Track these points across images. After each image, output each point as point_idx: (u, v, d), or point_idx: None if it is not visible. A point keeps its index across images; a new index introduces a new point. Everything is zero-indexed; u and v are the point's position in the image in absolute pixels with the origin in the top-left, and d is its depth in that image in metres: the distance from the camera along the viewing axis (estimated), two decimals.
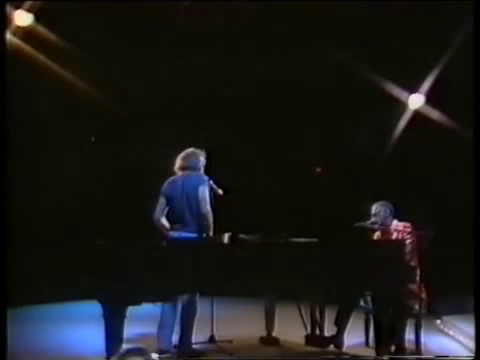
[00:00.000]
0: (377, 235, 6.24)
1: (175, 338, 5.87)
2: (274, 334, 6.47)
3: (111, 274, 5.00)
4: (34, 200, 8.69)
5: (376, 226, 6.17)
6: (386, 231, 6.14)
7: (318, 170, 7.22)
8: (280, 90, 8.95)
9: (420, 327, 5.82)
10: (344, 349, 6.03)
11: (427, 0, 7.50)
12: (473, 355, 5.48)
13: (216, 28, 8.13)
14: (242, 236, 5.80)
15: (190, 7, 7.78)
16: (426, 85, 8.52)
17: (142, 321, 5.87)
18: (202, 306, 6.11)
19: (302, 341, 6.23)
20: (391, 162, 8.69)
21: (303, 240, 5.69)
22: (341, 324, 6.03)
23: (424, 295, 5.85)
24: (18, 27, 7.76)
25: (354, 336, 6.22)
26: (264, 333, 6.48)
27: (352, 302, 6.07)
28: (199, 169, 6.04)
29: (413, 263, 5.84)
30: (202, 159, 6.08)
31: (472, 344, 5.73)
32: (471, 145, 5.63)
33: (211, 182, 6.16)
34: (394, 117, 8.87)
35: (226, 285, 5.33)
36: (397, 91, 8.63)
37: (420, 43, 8.06)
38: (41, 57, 8.18)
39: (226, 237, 5.66)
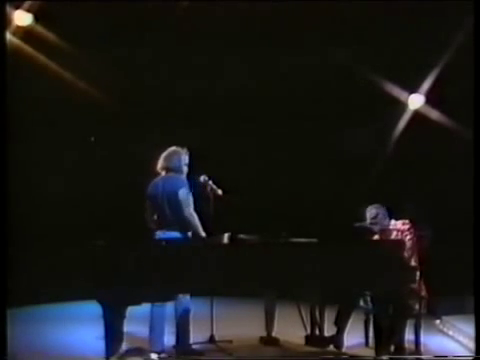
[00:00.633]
0: (378, 235, 6.24)
1: (171, 339, 5.88)
2: (274, 334, 6.46)
3: (111, 274, 5.01)
4: (34, 200, 8.68)
5: (376, 226, 6.17)
6: (386, 231, 6.14)
7: None
8: (280, 90, 8.95)
9: (420, 327, 5.83)
10: (344, 349, 6.03)
11: (427, 0, 7.50)
12: (473, 355, 5.48)
13: (216, 28, 8.12)
14: (242, 236, 5.80)
15: (190, 7, 7.77)
16: (426, 85, 8.52)
17: (142, 321, 5.87)
18: (202, 306, 6.12)
19: (302, 341, 6.23)
20: (391, 162, 8.69)
21: (303, 240, 5.70)
22: (341, 324, 6.03)
23: (424, 295, 5.85)
24: (18, 27, 7.76)
25: (354, 336, 6.22)
26: (264, 333, 6.48)
27: (352, 302, 6.07)
28: (181, 169, 5.96)
29: (413, 263, 5.84)
30: (184, 158, 5.99)
31: (472, 344, 5.74)
32: (471, 145, 5.64)
33: (210, 182, 6.17)
34: (394, 117, 8.87)
35: (226, 285, 5.33)
36: (397, 91, 8.63)
37: (420, 43, 8.06)
38: (41, 57, 8.18)
39: (226, 237, 5.66)
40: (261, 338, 6.48)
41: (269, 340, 6.44)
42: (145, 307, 5.72)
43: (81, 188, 9.05)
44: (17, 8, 7.63)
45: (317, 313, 6.09)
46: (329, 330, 6.09)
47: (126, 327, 5.22)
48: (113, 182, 9.14)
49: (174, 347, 5.89)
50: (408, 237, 5.92)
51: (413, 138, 8.54)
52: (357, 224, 6.12)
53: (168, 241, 5.68)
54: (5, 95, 5.42)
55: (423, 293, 5.84)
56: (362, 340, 6.23)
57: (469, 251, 5.56)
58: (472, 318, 5.59)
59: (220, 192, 6.15)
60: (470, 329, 5.91)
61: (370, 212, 6.16)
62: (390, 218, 6.15)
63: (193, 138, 8.27)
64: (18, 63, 7.16)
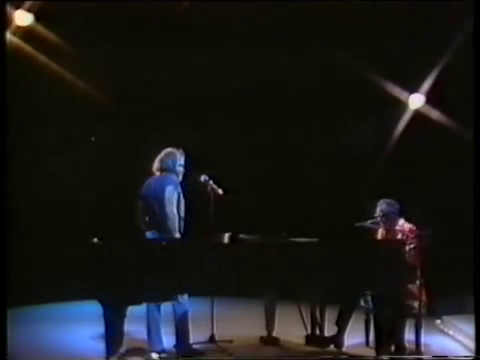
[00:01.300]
0: (381, 234, 6.21)
1: (171, 339, 5.88)
2: (274, 334, 6.46)
3: (111, 274, 5.01)
4: (34, 200, 8.68)
5: (376, 226, 6.16)
6: (390, 231, 6.10)
7: None
8: (281, 90, 8.94)
9: (420, 327, 5.82)
10: (344, 349, 6.03)
11: (427, 0, 7.50)
12: (473, 355, 5.48)
13: (216, 28, 8.12)
14: (242, 236, 5.80)
15: (190, 7, 7.78)
16: (426, 85, 8.51)
17: (142, 321, 5.87)
18: (202, 306, 6.12)
19: (302, 341, 6.23)
20: (391, 162, 8.68)
21: (303, 240, 5.70)
22: (342, 324, 6.03)
23: (424, 295, 5.84)
24: (18, 27, 7.76)
25: (354, 336, 6.22)
26: (264, 333, 6.48)
27: (353, 302, 6.07)
28: (175, 169, 5.96)
29: (413, 263, 5.83)
30: (179, 159, 5.99)
31: (472, 344, 5.74)
32: (471, 145, 5.64)
33: (211, 182, 6.17)
34: (394, 117, 8.86)
35: (226, 285, 5.33)
36: (397, 91, 8.62)
37: (420, 43, 8.05)
38: (41, 57, 8.18)
39: (226, 237, 5.67)
40: (261, 338, 6.48)
41: (269, 340, 6.44)
42: (145, 307, 5.73)
43: (81, 188, 9.04)
44: (17, 8, 7.63)
45: (317, 313, 6.09)
46: (329, 330, 6.09)
47: (126, 327, 5.22)
48: (113, 182, 9.14)
49: (174, 347, 5.89)
50: (413, 242, 5.86)
51: (413, 138, 8.54)
52: (358, 224, 6.10)
53: (169, 241, 5.69)
54: (5, 95, 5.42)
55: (423, 293, 5.83)
56: (362, 340, 6.23)
57: (469, 251, 5.56)
58: (472, 318, 5.60)
59: (220, 192, 6.15)
60: (470, 329, 5.91)
61: (380, 207, 6.05)
62: (400, 217, 6.09)
63: (193, 138, 8.30)
64: (18, 63, 7.15)
